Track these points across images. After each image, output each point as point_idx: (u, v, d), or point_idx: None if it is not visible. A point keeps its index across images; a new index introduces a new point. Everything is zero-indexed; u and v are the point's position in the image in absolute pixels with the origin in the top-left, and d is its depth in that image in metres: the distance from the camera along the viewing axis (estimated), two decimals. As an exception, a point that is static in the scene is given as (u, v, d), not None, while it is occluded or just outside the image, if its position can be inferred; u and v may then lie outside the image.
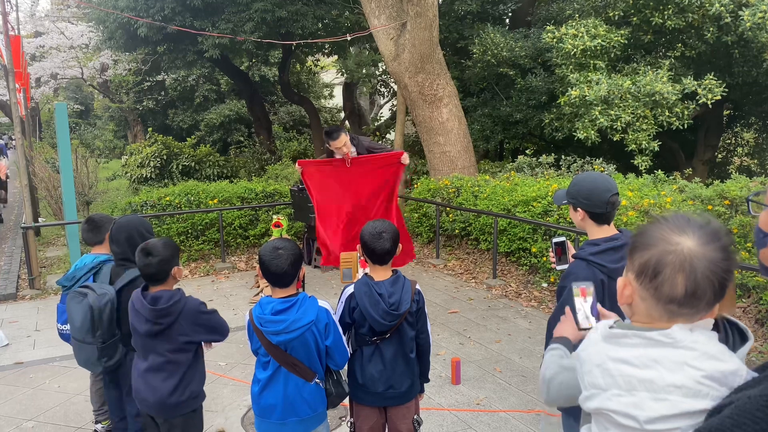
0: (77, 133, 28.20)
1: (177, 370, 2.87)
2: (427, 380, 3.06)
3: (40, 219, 11.84)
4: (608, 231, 2.52)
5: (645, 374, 1.23)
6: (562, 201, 2.63)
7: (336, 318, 2.80)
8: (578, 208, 2.52)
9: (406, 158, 6.13)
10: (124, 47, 14.53)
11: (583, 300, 1.88)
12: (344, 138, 6.03)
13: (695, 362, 1.20)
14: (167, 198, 9.20)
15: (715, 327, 1.67)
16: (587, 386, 1.39)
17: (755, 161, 14.34)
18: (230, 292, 7.64)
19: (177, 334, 2.83)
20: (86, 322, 3.14)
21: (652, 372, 1.23)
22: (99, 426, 4.14)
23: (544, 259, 7.17)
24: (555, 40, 9.80)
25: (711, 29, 9.23)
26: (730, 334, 1.63)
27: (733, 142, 15.33)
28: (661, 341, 1.25)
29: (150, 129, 17.54)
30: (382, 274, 2.84)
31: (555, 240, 2.68)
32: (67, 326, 3.66)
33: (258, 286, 7.67)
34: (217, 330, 2.99)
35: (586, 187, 2.52)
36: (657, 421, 1.21)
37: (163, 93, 23.02)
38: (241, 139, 20.55)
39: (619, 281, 1.37)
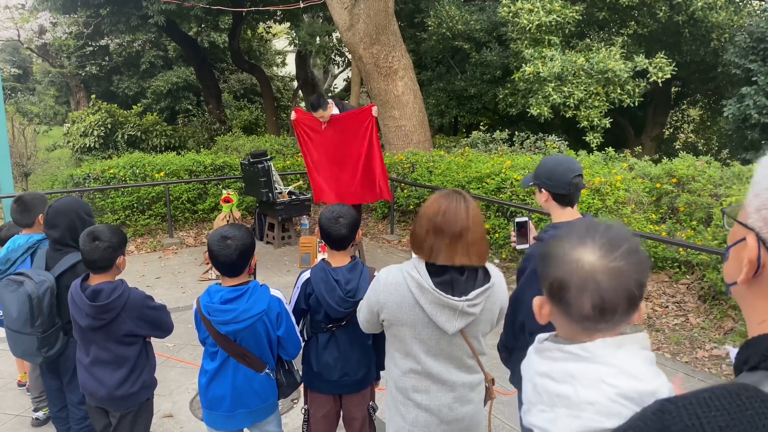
0: (14, 99, 26.81)
1: (125, 362, 2.73)
2: (383, 368, 3.01)
3: (-26, 190, 11.23)
4: (572, 214, 2.51)
5: (562, 389, 1.18)
6: (528, 183, 2.63)
7: (291, 305, 2.70)
8: (542, 189, 2.53)
9: (375, 110, 6.80)
10: (63, 9, 13.78)
11: None
12: (320, 113, 6.71)
13: (610, 379, 1.14)
14: (111, 170, 8.83)
15: (463, 268, 2.07)
16: (524, 401, 1.34)
17: (701, 139, 14.75)
18: (178, 269, 7.43)
19: (120, 329, 2.68)
20: (24, 312, 2.93)
21: (568, 387, 1.17)
22: (40, 413, 3.97)
23: (497, 236, 7.20)
24: (511, 14, 9.74)
25: (663, 8, 9.35)
26: (480, 273, 2.11)
27: (680, 118, 15.74)
28: (579, 355, 1.18)
29: (93, 96, 16.78)
30: (339, 260, 2.75)
31: (518, 219, 2.69)
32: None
33: (208, 263, 7.48)
34: (161, 327, 2.84)
35: (550, 167, 2.52)
36: None
37: (107, 58, 22.01)
38: (190, 107, 19.92)
39: (536, 300, 1.29)
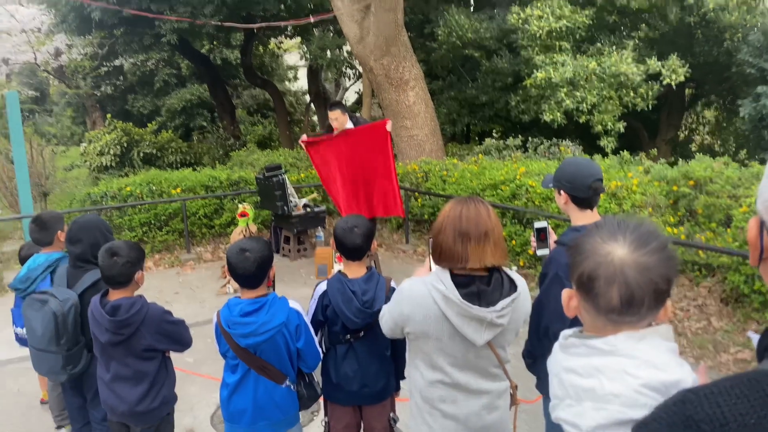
0: (32, 121, 27.23)
1: (145, 377, 2.75)
2: (404, 378, 2.99)
3: (-6, 212, 11.40)
4: (591, 217, 2.52)
5: (588, 383, 1.21)
6: (548, 184, 2.65)
7: (308, 317, 2.70)
8: (562, 192, 2.55)
9: (390, 125, 6.73)
10: (78, 31, 14.01)
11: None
12: (336, 114, 6.73)
13: (634, 370, 1.17)
14: (128, 188, 8.93)
15: (489, 278, 2.06)
16: (552, 396, 1.36)
17: (717, 141, 14.61)
18: (196, 284, 7.47)
19: (139, 344, 2.70)
20: (49, 330, 2.95)
21: (594, 381, 1.20)
22: (63, 431, 3.99)
23: (513, 242, 7.17)
24: (520, 21, 9.75)
25: (674, 10, 9.30)
26: (505, 283, 2.08)
27: (695, 120, 15.60)
28: (603, 349, 1.22)
29: (109, 115, 16.97)
30: (356, 270, 2.75)
31: (537, 225, 2.70)
32: (25, 330, 3.48)
33: (225, 277, 7.51)
34: (180, 342, 2.86)
35: (570, 171, 2.54)
36: (596, 430, 1.18)
37: (121, 78, 22.30)
38: (204, 124, 20.09)
39: (565, 293, 1.33)
